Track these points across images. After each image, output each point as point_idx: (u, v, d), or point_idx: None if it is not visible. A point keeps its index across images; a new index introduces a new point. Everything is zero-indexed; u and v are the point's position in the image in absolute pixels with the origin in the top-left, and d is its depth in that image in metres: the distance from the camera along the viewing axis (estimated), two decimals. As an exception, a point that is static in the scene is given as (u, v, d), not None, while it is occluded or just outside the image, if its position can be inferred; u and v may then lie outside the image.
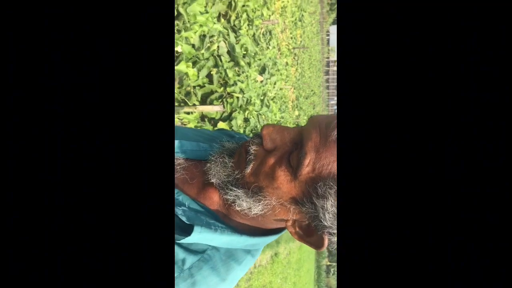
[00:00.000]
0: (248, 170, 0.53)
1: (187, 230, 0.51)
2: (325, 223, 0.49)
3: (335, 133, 0.49)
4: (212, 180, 0.55)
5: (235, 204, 0.54)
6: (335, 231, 0.49)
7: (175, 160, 0.59)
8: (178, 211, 0.53)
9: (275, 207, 0.52)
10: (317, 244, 0.52)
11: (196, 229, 0.51)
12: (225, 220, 0.58)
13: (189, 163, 0.60)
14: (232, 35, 2.61)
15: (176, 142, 0.61)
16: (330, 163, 0.48)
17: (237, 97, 2.57)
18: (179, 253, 0.51)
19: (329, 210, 0.48)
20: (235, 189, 0.54)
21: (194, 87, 2.14)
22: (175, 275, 0.50)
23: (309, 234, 0.53)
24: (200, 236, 0.51)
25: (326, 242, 0.50)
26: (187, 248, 0.52)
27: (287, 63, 5.68)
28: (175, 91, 1.94)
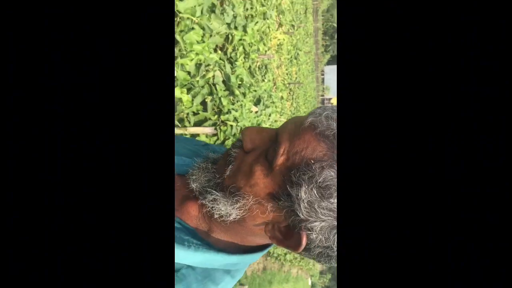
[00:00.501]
0: (228, 172, 0.53)
1: None
2: (301, 216, 0.48)
3: (309, 120, 0.49)
4: (192, 185, 0.55)
5: (213, 210, 0.53)
6: (311, 225, 0.48)
7: None
8: None
9: (252, 207, 0.51)
10: (295, 245, 0.50)
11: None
12: (203, 236, 0.57)
13: None
14: (228, 65, 2.65)
15: None
16: (303, 149, 0.48)
17: (231, 126, 2.59)
18: None
19: (303, 198, 0.47)
20: (213, 191, 0.53)
21: (187, 113, 2.16)
22: None
23: (288, 237, 0.52)
24: (178, 256, 0.50)
25: (304, 240, 0.49)
26: None
27: (282, 97, 5.78)
28: None
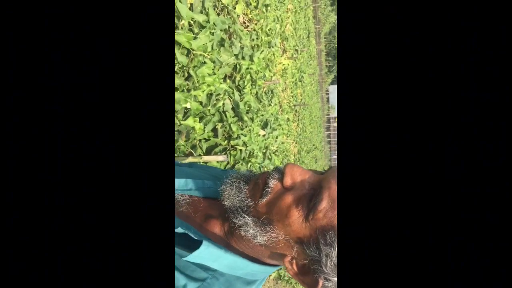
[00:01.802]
0: (263, 201, 0.55)
1: (195, 247, 0.53)
2: (325, 269, 0.50)
3: None
4: (225, 202, 0.57)
5: (241, 229, 0.55)
6: (331, 279, 0.51)
7: (181, 197, 0.63)
8: (186, 232, 0.55)
9: (280, 241, 0.54)
10: (311, 285, 0.53)
11: (205, 243, 0.53)
12: (227, 247, 0.59)
13: (194, 199, 0.64)
14: (236, 93, 2.75)
15: (182, 181, 0.64)
16: None
17: (240, 150, 2.67)
18: (180, 279, 0.53)
19: (332, 258, 0.50)
20: (245, 216, 0.55)
21: (199, 140, 2.23)
22: None
23: (304, 273, 0.54)
24: (207, 251, 0.53)
25: (320, 285, 0.52)
26: (188, 275, 0.54)
27: (288, 119, 5.87)
28: (182, 144, 2.05)
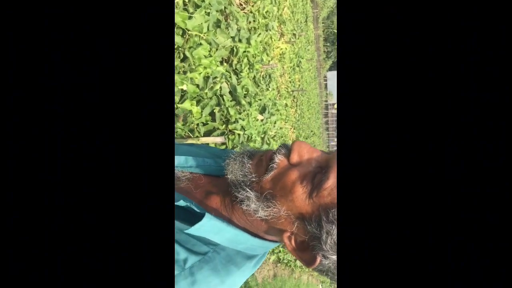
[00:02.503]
0: (267, 177, 0.55)
1: (197, 220, 0.53)
2: (324, 246, 0.50)
3: None
4: (228, 176, 0.57)
5: (243, 203, 0.55)
6: (329, 256, 0.51)
7: (181, 173, 0.62)
8: (189, 205, 0.55)
9: (281, 217, 0.54)
10: (308, 262, 0.53)
11: (207, 215, 0.53)
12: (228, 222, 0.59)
13: (194, 175, 0.64)
14: (234, 77, 2.73)
15: (182, 158, 0.64)
16: None
17: (238, 134, 2.66)
18: (180, 253, 0.53)
19: (333, 236, 0.50)
20: (248, 190, 0.55)
21: (197, 124, 2.22)
22: (176, 273, 0.51)
23: (302, 250, 0.54)
24: (210, 223, 0.53)
25: (317, 261, 0.52)
26: (189, 249, 0.54)
27: (286, 105, 5.87)
28: (179, 128, 2.04)
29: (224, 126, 2.54)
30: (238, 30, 2.83)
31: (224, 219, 0.58)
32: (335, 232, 0.49)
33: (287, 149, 0.56)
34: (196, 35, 2.10)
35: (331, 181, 0.50)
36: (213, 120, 2.42)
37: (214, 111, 2.41)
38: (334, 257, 0.51)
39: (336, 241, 0.50)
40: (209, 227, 0.54)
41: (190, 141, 2.08)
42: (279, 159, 0.55)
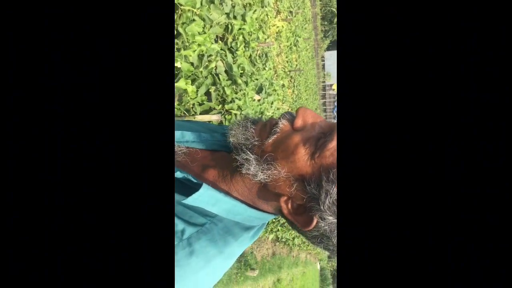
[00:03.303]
0: (270, 140, 0.56)
1: (194, 191, 0.53)
2: (322, 207, 0.51)
3: None
4: (230, 139, 0.58)
5: (242, 167, 0.56)
6: (326, 217, 0.51)
7: (178, 147, 0.62)
8: (185, 176, 0.55)
9: (280, 179, 0.54)
10: (304, 223, 0.54)
11: (205, 185, 0.53)
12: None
13: (191, 149, 0.64)
14: (229, 55, 2.68)
15: (179, 133, 0.64)
16: None
17: (235, 114, 2.63)
18: (178, 224, 0.53)
19: (332, 195, 0.50)
20: (248, 152, 0.56)
21: (193, 104, 2.19)
22: (174, 243, 0.51)
23: (299, 213, 0.55)
24: (207, 194, 0.54)
25: (314, 223, 0.53)
26: (186, 221, 0.54)
27: (283, 85, 5.82)
28: (175, 108, 2.00)
29: (220, 106, 2.50)
30: (233, 6, 2.75)
31: (221, 191, 0.58)
32: (334, 191, 0.50)
33: (291, 115, 0.58)
34: (189, 10, 2.03)
35: (335, 142, 0.51)
36: (209, 100, 2.37)
37: (210, 90, 2.36)
38: (331, 218, 0.51)
39: (334, 202, 0.50)
40: (207, 198, 0.54)
41: (186, 119, 2.04)
42: (283, 123, 0.56)
